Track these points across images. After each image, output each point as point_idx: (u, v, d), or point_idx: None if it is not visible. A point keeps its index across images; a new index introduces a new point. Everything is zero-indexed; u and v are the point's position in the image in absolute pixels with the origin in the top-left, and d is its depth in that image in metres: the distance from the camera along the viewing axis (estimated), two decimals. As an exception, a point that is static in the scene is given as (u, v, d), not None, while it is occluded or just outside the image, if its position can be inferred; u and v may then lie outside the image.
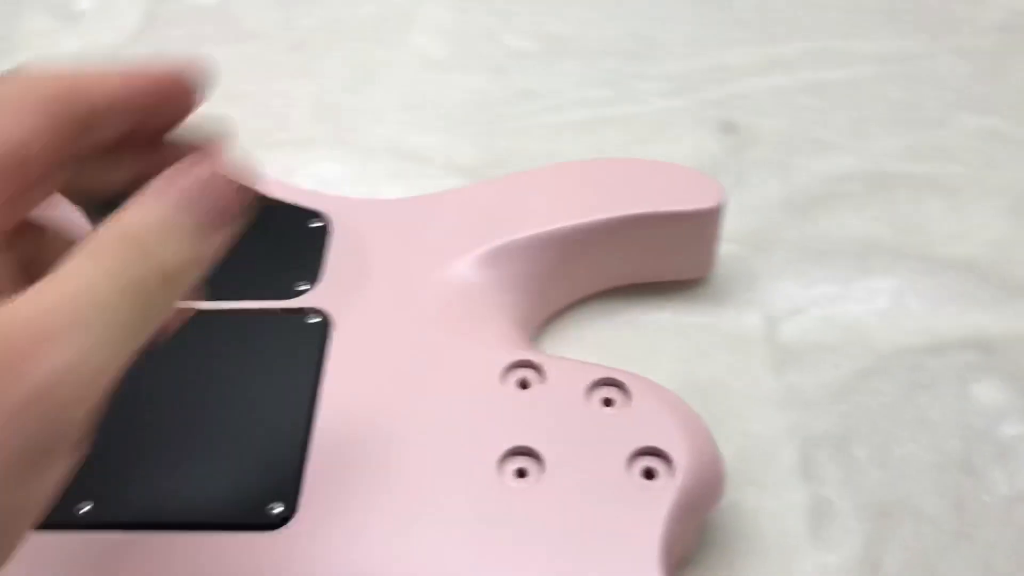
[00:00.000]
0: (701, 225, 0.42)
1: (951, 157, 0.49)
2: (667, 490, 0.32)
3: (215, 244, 0.24)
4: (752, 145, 0.50)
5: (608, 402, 0.35)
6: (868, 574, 0.35)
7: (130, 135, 0.25)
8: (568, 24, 0.57)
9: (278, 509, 0.32)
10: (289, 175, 0.47)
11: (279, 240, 0.40)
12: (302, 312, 0.37)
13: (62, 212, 0.26)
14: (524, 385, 0.35)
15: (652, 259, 0.43)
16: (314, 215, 0.41)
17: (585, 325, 0.43)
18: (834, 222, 0.46)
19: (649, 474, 0.33)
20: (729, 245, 0.45)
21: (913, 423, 0.39)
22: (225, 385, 0.35)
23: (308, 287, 0.38)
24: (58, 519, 0.31)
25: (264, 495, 0.32)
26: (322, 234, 0.40)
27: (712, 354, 0.42)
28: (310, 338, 0.37)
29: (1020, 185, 0.48)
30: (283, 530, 0.31)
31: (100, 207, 0.24)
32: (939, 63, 0.54)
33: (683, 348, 0.42)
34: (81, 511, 0.32)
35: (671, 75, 0.54)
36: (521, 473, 0.33)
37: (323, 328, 0.37)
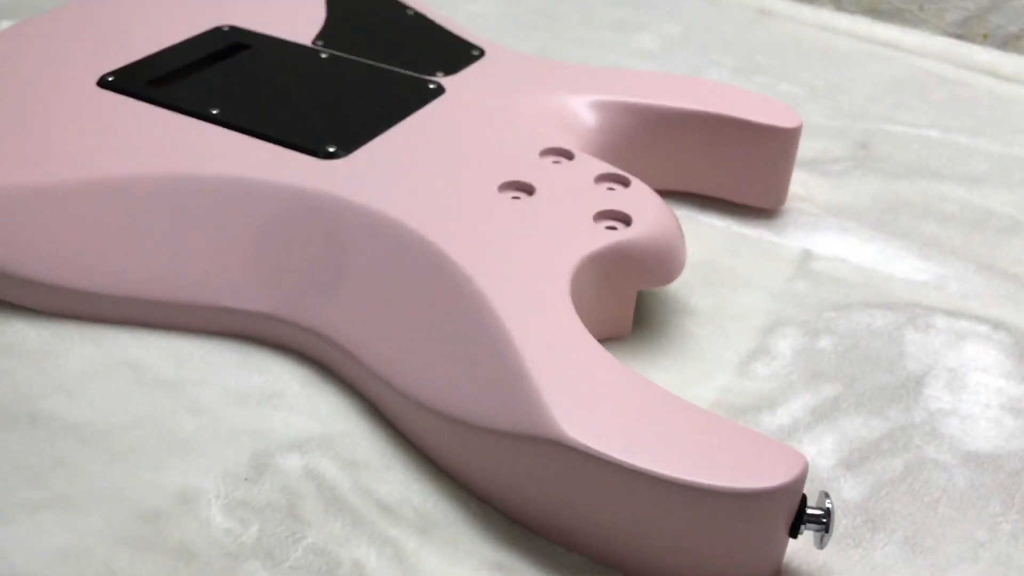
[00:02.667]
0: (779, 146, 0.47)
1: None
2: (610, 237, 0.38)
3: None
4: (873, 160, 0.54)
5: (611, 188, 0.41)
6: (766, 394, 0.38)
7: None
8: (776, 66, 0.65)
9: (332, 148, 0.42)
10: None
11: (450, 52, 0.52)
12: (430, 82, 0.48)
13: None
14: (557, 162, 0.43)
15: (731, 172, 0.48)
16: (478, 48, 0.52)
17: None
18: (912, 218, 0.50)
19: (611, 228, 0.39)
20: (804, 204, 0.50)
21: (888, 343, 0.41)
22: (356, 84, 0.47)
23: (443, 76, 0.49)
24: (197, 112, 0.44)
25: (330, 139, 0.42)
26: (475, 58, 0.51)
27: (741, 255, 0.46)
28: (424, 93, 0.47)
29: None
30: (329, 161, 0.41)
31: None
32: None
33: (718, 244, 0.47)
34: (213, 111, 0.44)
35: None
36: (516, 196, 0.40)
37: (435, 92, 0.47)
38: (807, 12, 0.70)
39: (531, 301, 0.35)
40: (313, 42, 0.52)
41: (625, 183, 0.42)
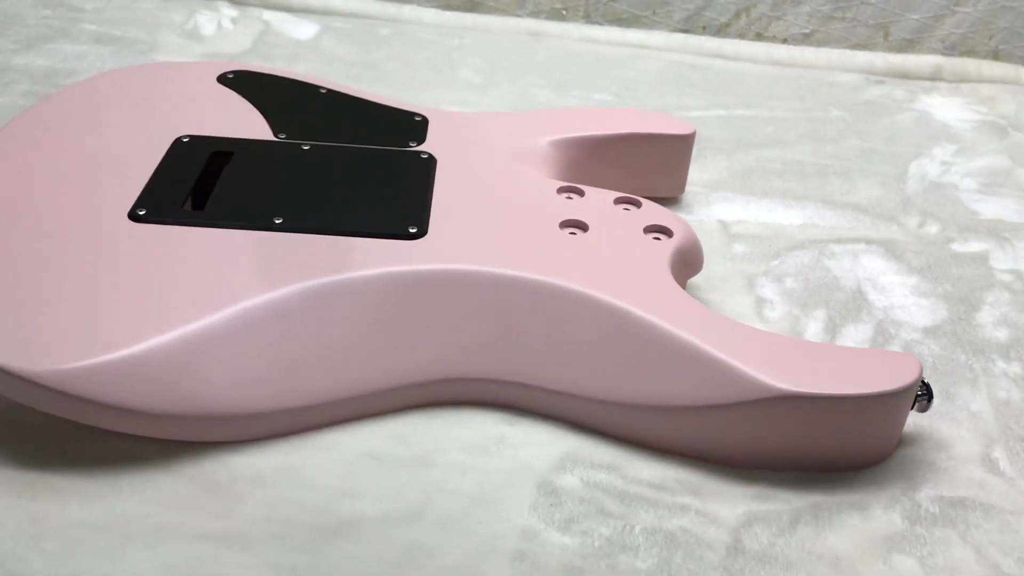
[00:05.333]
0: (679, 148, 0.61)
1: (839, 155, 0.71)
2: (669, 245, 0.50)
3: None
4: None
5: (627, 208, 0.53)
6: (791, 327, 0.52)
7: None
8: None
9: (414, 229, 0.48)
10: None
11: (399, 122, 0.58)
12: (420, 153, 0.55)
13: None
14: (570, 198, 0.53)
15: (648, 174, 0.62)
16: (416, 114, 0.60)
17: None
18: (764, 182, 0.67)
19: (658, 238, 0.50)
20: (690, 186, 0.65)
21: (823, 272, 0.57)
22: (360, 168, 0.53)
23: (418, 146, 0.56)
24: (262, 225, 0.47)
25: (403, 221, 0.48)
26: (424, 123, 0.59)
27: (684, 235, 0.60)
28: (423, 164, 0.54)
29: (888, 168, 0.69)
30: (419, 241, 0.47)
31: None
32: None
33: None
34: (276, 221, 0.48)
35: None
36: (572, 232, 0.50)
37: (431, 161, 0.54)
38: (570, 28, 0.85)
39: (671, 306, 0.45)
40: (277, 136, 0.56)
41: (637, 204, 0.53)
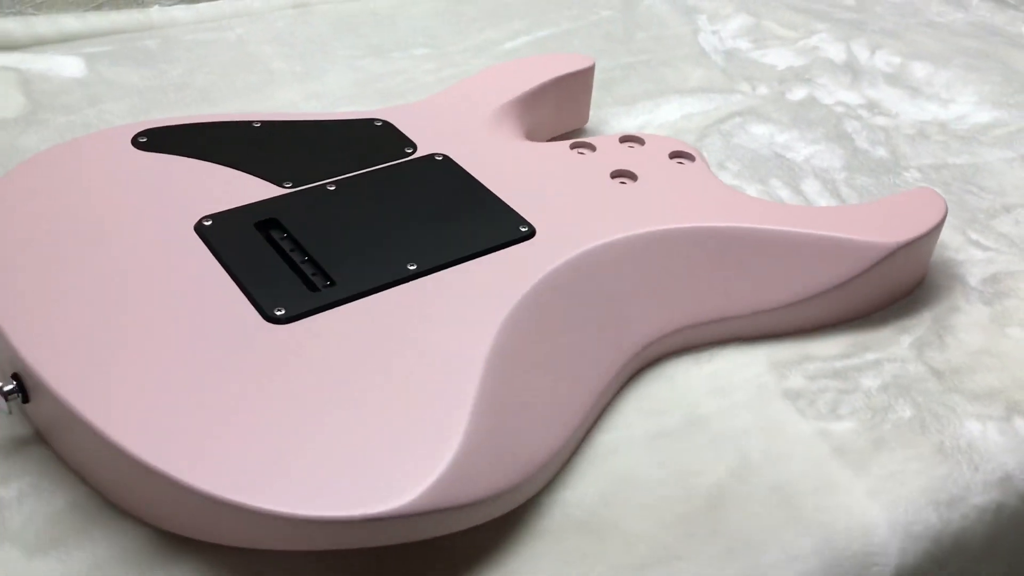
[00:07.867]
0: (585, 81, 0.66)
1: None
2: (700, 164, 0.56)
3: None
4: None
5: (631, 146, 0.57)
6: (773, 200, 0.62)
7: None
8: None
9: (525, 228, 0.49)
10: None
11: (371, 133, 0.55)
12: (435, 155, 0.54)
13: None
14: (582, 153, 0.56)
15: (565, 110, 0.65)
16: (374, 120, 0.57)
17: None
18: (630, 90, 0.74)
19: (681, 162, 0.56)
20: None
21: (741, 150, 0.67)
22: (408, 190, 0.52)
23: (416, 152, 0.54)
24: (403, 276, 0.45)
25: (513, 225, 0.49)
26: (390, 126, 0.56)
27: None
28: (446, 165, 0.53)
29: (687, 49, 0.80)
30: (540, 237, 0.48)
31: None
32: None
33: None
34: (410, 267, 0.45)
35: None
36: (623, 182, 0.54)
37: (448, 160, 0.54)
38: (328, -8, 0.81)
39: (770, 213, 0.52)
40: (284, 186, 0.51)
41: (640, 141, 0.58)
